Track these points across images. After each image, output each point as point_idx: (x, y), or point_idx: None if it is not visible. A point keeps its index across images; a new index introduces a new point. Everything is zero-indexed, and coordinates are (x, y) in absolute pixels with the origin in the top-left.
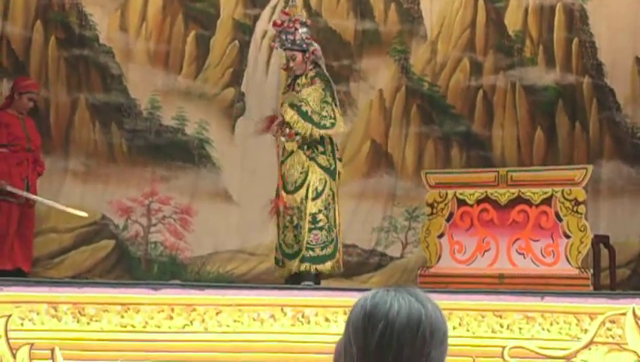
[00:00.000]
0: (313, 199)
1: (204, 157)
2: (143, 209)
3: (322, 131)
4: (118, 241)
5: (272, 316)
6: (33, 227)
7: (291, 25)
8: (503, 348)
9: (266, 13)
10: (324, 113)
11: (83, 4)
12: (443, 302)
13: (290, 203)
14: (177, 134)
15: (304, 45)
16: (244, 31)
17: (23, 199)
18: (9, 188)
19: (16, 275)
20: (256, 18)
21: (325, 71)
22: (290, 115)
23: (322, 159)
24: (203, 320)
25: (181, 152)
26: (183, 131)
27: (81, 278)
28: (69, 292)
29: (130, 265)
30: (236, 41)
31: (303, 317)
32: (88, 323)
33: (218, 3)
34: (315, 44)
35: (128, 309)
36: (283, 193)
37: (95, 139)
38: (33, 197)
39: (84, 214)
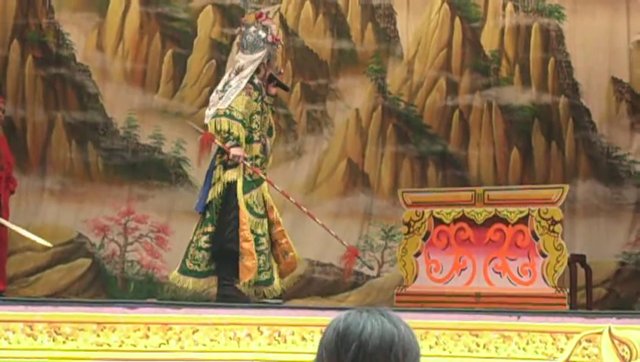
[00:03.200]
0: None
1: (181, 176)
2: (120, 227)
3: None
4: (94, 260)
5: (249, 335)
6: (7, 246)
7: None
8: None
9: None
10: None
11: (60, 24)
12: (419, 321)
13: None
14: (154, 153)
15: None
16: (220, 50)
17: None
18: None
19: None
20: (233, 37)
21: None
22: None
23: None
24: (179, 339)
25: (158, 171)
26: (159, 150)
27: (57, 297)
28: (44, 311)
29: (107, 283)
30: (213, 60)
31: (279, 336)
32: (64, 342)
33: (195, 22)
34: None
35: (104, 328)
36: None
37: (71, 157)
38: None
39: (48, 244)
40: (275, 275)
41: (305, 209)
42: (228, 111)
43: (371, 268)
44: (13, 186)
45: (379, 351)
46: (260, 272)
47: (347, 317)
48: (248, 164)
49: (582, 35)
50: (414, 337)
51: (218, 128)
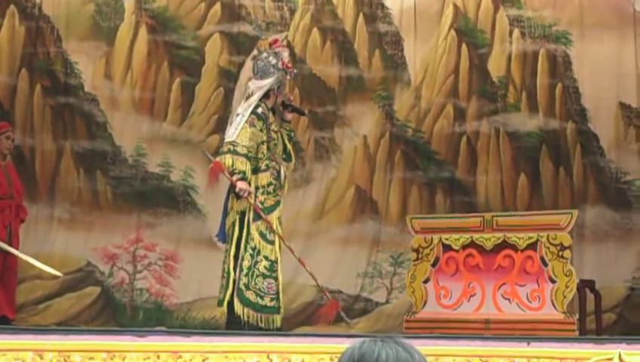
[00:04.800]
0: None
1: (190, 204)
2: (129, 255)
3: None
4: (103, 288)
5: None
6: (16, 274)
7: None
8: None
9: (250, 60)
10: None
11: (68, 53)
12: (429, 347)
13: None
14: (163, 181)
15: None
16: (228, 78)
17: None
18: None
19: (1, 322)
20: (240, 65)
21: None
22: None
23: None
24: None
25: (166, 199)
26: (168, 178)
27: (66, 325)
28: (54, 339)
29: (116, 311)
30: (221, 88)
31: None
32: None
33: (203, 50)
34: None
35: (114, 356)
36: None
37: (80, 186)
38: (10, 249)
39: (57, 273)
40: (281, 308)
41: (297, 255)
42: (232, 147)
43: (349, 323)
44: (24, 215)
45: None
46: (272, 299)
47: (362, 345)
48: (252, 200)
49: (589, 61)
50: None
51: (224, 164)
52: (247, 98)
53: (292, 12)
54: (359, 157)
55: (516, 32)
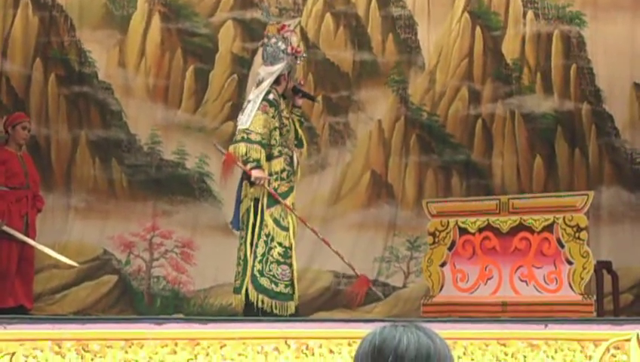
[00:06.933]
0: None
1: (205, 191)
2: (145, 243)
3: None
4: (120, 276)
5: (277, 348)
6: (33, 264)
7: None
8: None
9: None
10: None
11: (82, 42)
12: (447, 331)
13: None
14: (178, 168)
15: None
16: (242, 65)
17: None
18: (4, 229)
19: (19, 312)
20: (254, 52)
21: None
22: None
23: None
24: (207, 354)
25: (182, 186)
26: (183, 165)
27: (84, 314)
28: (72, 328)
29: (133, 299)
30: (235, 75)
31: (307, 349)
32: (92, 359)
33: (216, 37)
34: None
35: (132, 344)
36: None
37: (95, 175)
38: (26, 239)
39: (74, 263)
40: (296, 295)
41: (320, 236)
42: (245, 135)
43: (380, 296)
44: (41, 205)
45: None
46: (286, 286)
47: (383, 331)
48: (268, 187)
49: (603, 42)
50: (449, 351)
51: (238, 153)
52: (258, 84)
53: None
54: (374, 142)
55: (530, 13)
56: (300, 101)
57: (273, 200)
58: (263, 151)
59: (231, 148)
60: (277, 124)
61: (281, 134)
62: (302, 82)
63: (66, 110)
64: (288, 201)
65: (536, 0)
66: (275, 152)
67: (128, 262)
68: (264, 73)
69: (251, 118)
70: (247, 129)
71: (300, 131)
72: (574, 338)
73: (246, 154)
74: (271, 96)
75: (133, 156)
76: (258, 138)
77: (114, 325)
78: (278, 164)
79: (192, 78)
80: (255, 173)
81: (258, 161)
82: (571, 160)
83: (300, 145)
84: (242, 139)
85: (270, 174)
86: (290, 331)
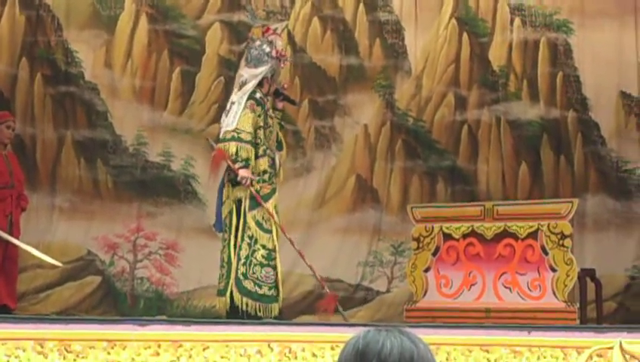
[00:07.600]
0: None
1: (190, 193)
2: (129, 245)
3: None
4: (104, 277)
5: (259, 351)
6: (17, 263)
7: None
8: None
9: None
10: None
11: (69, 42)
12: (430, 336)
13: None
14: (163, 170)
15: None
16: (229, 67)
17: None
18: None
19: (2, 311)
20: (240, 54)
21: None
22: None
23: None
24: (190, 356)
25: (167, 188)
26: (168, 167)
27: (67, 314)
28: (55, 328)
29: (117, 300)
30: (221, 77)
31: (290, 352)
32: (75, 360)
33: (203, 39)
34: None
35: (115, 345)
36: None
37: (81, 175)
38: (11, 239)
39: (57, 263)
40: (280, 297)
41: (297, 247)
42: (235, 134)
43: (346, 318)
44: (25, 204)
45: None
46: (270, 288)
47: (366, 335)
48: (253, 189)
49: (590, 50)
50: (432, 356)
51: (228, 152)
52: (241, 86)
53: (292, 1)
54: (360, 146)
55: (517, 20)
56: (280, 104)
57: (256, 203)
58: (252, 151)
59: (221, 145)
60: (262, 124)
61: (264, 134)
62: (285, 86)
63: (51, 110)
64: (271, 203)
65: (523, 7)
66: (260, 151)
67: (112, 263)
68: (247, 75)
69: (238, 117)
70: (237, 128)
71: (279, 134)
72: (557, 346)
73: (236, 153)
74: (257, 95)
75: (119, 157)
76: (249, 138)
77: (97, 326)
78: (263, 163)
79: (178, 79)
80: (242, 173)
81: (247, 160)
82: (557, 167)
83: (279, 147)
84: (233, 138)
85: (258, 174)
86: (274, 334)
